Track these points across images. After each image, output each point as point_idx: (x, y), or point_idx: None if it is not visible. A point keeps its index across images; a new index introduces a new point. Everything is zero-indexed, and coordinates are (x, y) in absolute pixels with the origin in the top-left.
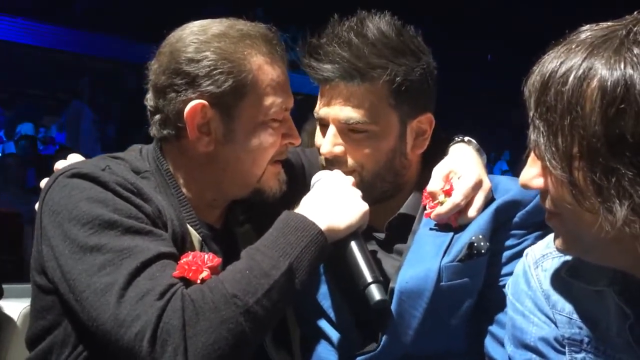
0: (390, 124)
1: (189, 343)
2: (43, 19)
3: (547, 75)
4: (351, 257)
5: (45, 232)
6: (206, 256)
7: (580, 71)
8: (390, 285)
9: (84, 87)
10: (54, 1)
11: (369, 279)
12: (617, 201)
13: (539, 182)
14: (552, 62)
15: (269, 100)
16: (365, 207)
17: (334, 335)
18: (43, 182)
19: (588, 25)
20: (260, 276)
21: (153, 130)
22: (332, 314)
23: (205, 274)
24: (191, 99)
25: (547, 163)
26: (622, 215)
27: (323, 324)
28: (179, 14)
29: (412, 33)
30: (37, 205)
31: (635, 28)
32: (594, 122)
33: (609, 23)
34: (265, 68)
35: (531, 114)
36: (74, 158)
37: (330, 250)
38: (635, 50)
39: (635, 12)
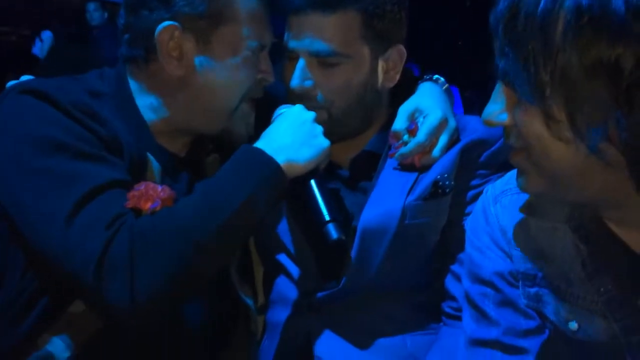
0: (361, 56)
1: (135, 275)
2: None
3: (515, 2)
4: (310, 195)
5: None
6: (160, 187)
7: (554, 4)
8: (353, 223)
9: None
10: None
11: (327, 217)
12: (592, 129)
13: (503, 117)
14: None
15: (246, 31)
16: (326, 143)
17: (295, 271)
18: None
19: None
20: (213, 210)
21: (122, 50)
22: (292, 250)
23: (156, 204)
24: (164, 19)
25: (518, 91)
26: (595, 143)
27: (284, 259)
28: None
29: None
30: None
31: None
32: (568, 45)
33: None
34: None
35: (499, 42)
36: (25, 78)
37: (287, 186)
38: None
39: None
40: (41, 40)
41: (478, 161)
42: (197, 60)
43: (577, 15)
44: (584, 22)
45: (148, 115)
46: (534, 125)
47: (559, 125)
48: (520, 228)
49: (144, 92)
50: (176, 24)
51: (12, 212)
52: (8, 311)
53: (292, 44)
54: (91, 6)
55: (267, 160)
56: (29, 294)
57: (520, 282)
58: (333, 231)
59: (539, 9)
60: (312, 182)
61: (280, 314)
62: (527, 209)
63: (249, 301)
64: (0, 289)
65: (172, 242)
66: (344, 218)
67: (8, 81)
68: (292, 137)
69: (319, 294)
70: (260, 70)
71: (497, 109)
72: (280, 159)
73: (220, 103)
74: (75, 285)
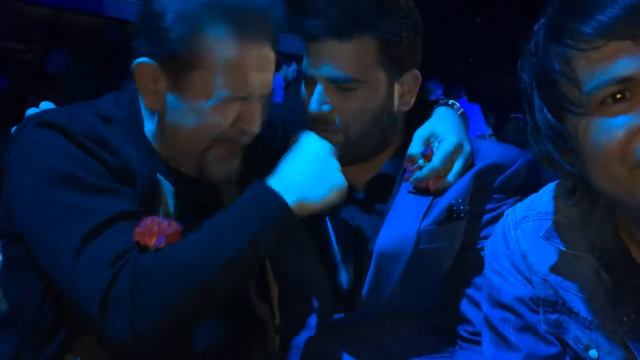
0: (378, 81)
1: (137, 311)
2: None
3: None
4: (324, 233)
5: (12, 179)
6: (165, 222)
7: None
8: (369, 247)
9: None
10: None
11: (340, 263)
12: None
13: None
14: None
15: (218, 80)
16: (342, 182)
17: (311, 292)
18: (14, 128)
19: None
20: (217, 249)
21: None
22: (308, 271)
23: (160, 241)
24: (144, 55)
25: None
26: None
27: (300, 281)
28: None
29: None
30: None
31: None
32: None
33: None
34: (224, 43)
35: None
36: (45, 106)
37: (297, 222)
38: None
39: None
40: (55, 58)
41: (492, 186)
42: (169, 98)
43: None
44: None
45: (153, 141)
46: None
47: None
48: (541, 254)
49: (147, 115)
50: (152, 62)
51: (28, 239)
52: (31, 337)
53: (311, 71)
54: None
55: (276, 199)
56: (51, 320)
57: (540, 308)
58: (344, 280)
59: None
60: (327, 220)
61: (295, 335)
62: (549, 236)
63: (268, 320)
64: (21, 316)
65: (173, 280)
66: (361, 242)
67: (27, 100)
68: (306, 173)
69: (335, 316)
70: (240, 119)
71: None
72: (291, 198)
73: (188, 143)
74: (80, 316)
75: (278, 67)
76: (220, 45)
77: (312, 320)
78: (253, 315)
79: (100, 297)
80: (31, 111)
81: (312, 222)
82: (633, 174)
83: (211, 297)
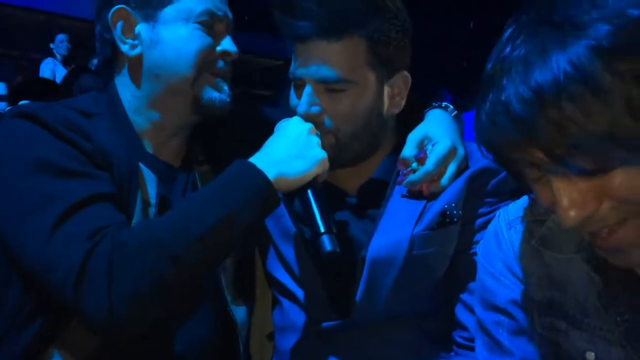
0: (367, 81)
1: (113, 286)
2: None
3: (552, 95)
4: (307, 206)
5: None
6: None
7: (578, 70)
8: (362, 252)
9: (58, 46)
10: None
11: (322, 229)
12: None
13: (589, 207)
14: (538, 79)
15: (191, 2)
16: (322, 154)
17: (304, 299)
18: None
19: (500, 51)
20: (192, 223)
21: (99, 59)
22: (302, 277)
23: None
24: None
25: (602, 162)
26: None
27: (293, 287)
28: None
29: None
30: None
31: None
32: (631, 87)
33: (519, 39)
34: None
35: (540, 155)
36: (23, 103)
37: (278, 201)
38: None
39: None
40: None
41: (486, 189)
42: (148, 36)
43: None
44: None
45: (137, 123)
46: (634, 184)
47: None
48: (534, 257)
49: (123, 92)
50: (124, 6)
51: (2, 231)
52: (8, 329)
53: (299, 71)
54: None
55: (256, 173)
56: (27, 312)
57: (535, 311)
58: (327, 243)
59: (579, 80)
60: (309, 192)
61: (288, 341)
62: (541, 241)
63: (239, 317)
64: (1, 307)
65: (148, 254)
66: (353, 248)
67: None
68: (287, 150)
69: (328, 323)
70: (219, 44)
71: (575, 200)
72: (272, 173)
73: (176, 73)
74: (58, 298)
75: None
76: None
77: (305, 327)
78: (228, 315)
79: (76, 273)
80: (8, 109)
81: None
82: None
83: (185, 274)
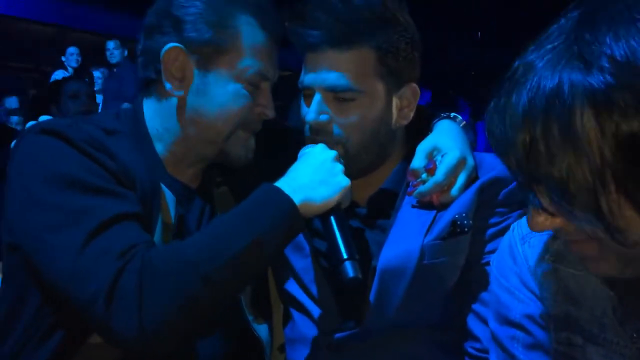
0: (375, 92)
1: (143, 306)
2: None
3: (525, 125)
4: (329, 232)
5: (12, 189)
6: None
7: (566, 101)
8: (373, 263)
9: (69, 59)
10: None
11: (344, 255)
12: None
13: (555, 223)
14: (521, 106)
15: (247, 62)
16: (346, 182)
17: (315, 310)
18: (13, 143)
19: (531, 57)
20: (224, 245)
21: (138, 73)
22: (313, 289)
23: None
24: (172, 42)
25: (570, 219)
26: None
27: (304, 298)
28: None
29: (397, 4)
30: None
31: (578, 37)
32: (606, 142)
33: (548, 45)
34: (250, 29)
35: (522, 178)
36: (44, 118)
37: (304, 225)
38: (601, 61)
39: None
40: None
41: (496, 199)
42: (196, 83)
43: (595, 112)
44: (605, 115)
45: (158, 148)
46: (595, 231)
47: (623, 234)
48: (549, 272)
49: (152, 118)
50: (181, 46)
51: (27, 247)
52: (24, 346)
53: (308, 79)
54: (111, 44)
55: (283, 199)
56: (44, 328)
57: (551, 325)
58: (350, 269)
59: (555, 127)
60: (332, 219)
61: (300, 353)
62: (555, 256)
63: (263, 335)
64: (16, 324)
65: (179, 274)
66: (364, 258)
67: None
68: (312, 176)
69: (339, 334)
70: (259, 104)
71: (543, 218)
72: (298, 198)
73: (214, 127)
74: (85, 315)
75: None
76: (249, 30)
77: (316, 339)
78: (250, 332)
79: (106, 290)
80: (30, 124)
81: (317, 227)
82: None
83: (216, 294)
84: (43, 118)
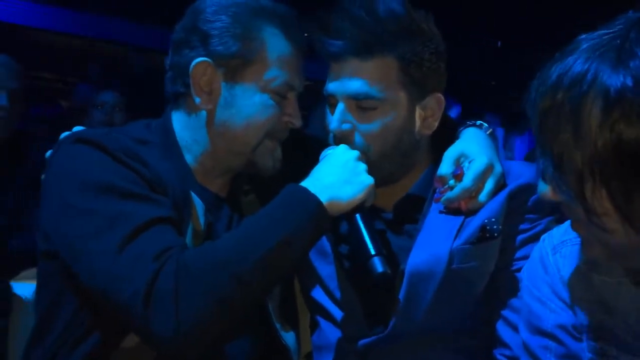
0: (399, 101)
1: (180, 306)
2: (55, 3)
3: (548, 94)
4: (356, 230)
5: (48, 197)
6: None
7: (583, 87)
8: (401, 267)
9: (92, 71)
10: None
11: (372, 251)
12: None
13: (555, 196)
14: (552, 78)
15: (273, 73)
16: (370, 180)
17: (341, 316)
18: (48, 153)
19: (584, 36)
20: (253, 245)
21: (166, 88)
22: (338, 295)
23: None
24: (200, 56)
25: (557, 190)
26: None
27: (330, 304)
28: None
29: (423, 15)
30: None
31: (630, 35)
32: (603, 138)
33: (603, 31)
34: (275, 41)
35: (538, 139)
36: (78, 129)
37: (330, 224)
38: (632, 63)
39: (629, 12)
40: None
41: (526, 206)
42: (224, 96)
43: (606, 109)
44: (615, 116)
45: (187, 159)
46: (579, 216)
47: (601, 219)
48: (582, 280)
49: (182, 130)
50: (209, 60)
51: (64, 252)
52: (59, 349)
53: (332, 87)
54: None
55: (310, 198)
56: (79, 333)
57: (584, 335)
58: (378, 265)
59: (567, 108)
60: (358, 217)
61: None
62: (589, 265)
63: (290, 343)
64: (51, 328)
65: (212, 275)
66: (391, 256)
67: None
68: (336, 176)
69: (365, 340)
70: (286, 114)
71: (545, 189)
72: (324, 197)
73: (242, 138)
74: (123, 316)
75: None
76: (274, 41)
77: (341, 345)
78: (276, 339)
79: (144, 292)
80: (64, 135)
81: (341, 230)
82: None
83: (247, 295)
84: (77, 128)
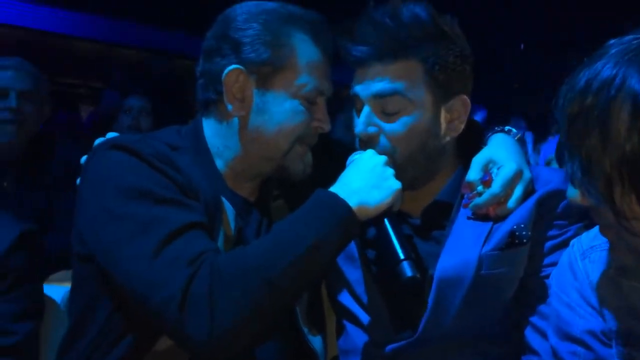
0: (423, 102)
1: (215, 311)
2: (78, 8)
3: (576, 98)
4: (384, 234)
5: (84, 202)
6: None
7: (611, 92)
8: (430, 272)
9: (116, 76)
10: None
11: (401, 255)
12: None
13: (585, 201)
14: (581, 82)
15: (303, 79)
16: (397, 185)
17: (368, 321)
18: (83, 159)
19: (613, 41)
20: (285, 249)
21: (197, 95)
22: (365, 300)
23: None
24: (232, 64)
25: (586, 194)
26: None
27: (357, 309)
28: (215, 3)
29: (447, 20)
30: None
31: None
32: (632, 142)
33: (632, 36)
34: (305, 47)
35: (567, 144)
36: (112, 135)
37: (359, 228)
38: None
39: None
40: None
41: (555, 212)
42: (256, 102)
43: (635, 113)
44: None
45: (218, 164)
46: (608, 217)
47: (630, 222)
48: (611, 286)
49: (213, 136)
50: (242, 68)
51: (100, 256)
52: (93, 352)
53: (357, 89)
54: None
55: (340, 203)
56: (113, 336)
57: (613, 341)
58: (407, 269)
59: (597, 111)
60: (386, 221)
61: None
62: (619, 270)
63: (318, 347)
64: (86, 331)
65: (246, 279)
66: (419, 261)
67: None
68: (364, 180)
69: (394, 345)
70: (316, 119)
71: (575, 193)
72: (353, 201)
73: (274, 144)
74: (158, 320)
75: None
76: (304, 47)
77: (368, 350)
78: (304, 343)
79: (179, 297)
80: (98, 141)
81: (368, 236)
82: None
83: (279, 299)
84: (111, 134)
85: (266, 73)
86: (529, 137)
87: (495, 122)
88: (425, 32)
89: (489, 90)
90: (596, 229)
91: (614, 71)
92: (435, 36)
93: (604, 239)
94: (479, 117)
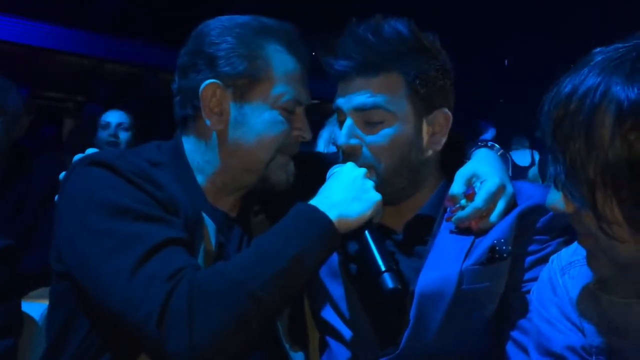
0: (405, 115)
1: (194, 326)
2: (65, 23)
3: (562, 103)
4: (365, 246)
5: (62, 219)
6: None
7: (596, 98)
8: (411, 287)
9: (100, 92)
10: (76, 5)
11: (382, 267)
12: None
13: (566, 205)
14: (566, 88)
15: (280, 89)
16: (377, 197)
17: (351, 337)
18: (62, 175)
19: (599, 49)
20: (267, 263)
21: (175, 111)
22: (348, 315)
23: None
24: (208, 79)
25: (569, 196)
26: None
27: (339, 325)
28: (201, 17)
29: (428, 35)
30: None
31: None
32: (614, 148)
33: (619, 45)
34: (280, 57)
35: (551, 146)
36: (91, 151)
37: (340, 241)
38: None
39: None
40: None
41: (535, 227)
42: (234, 115)
43: (619, 119)
44: (628, 125)
45: (199, 179)
46: (590, 222)
47: (614, 226)
48: (591, 301)
49: (193, 151)
50: (218, 82)
51: (78, 273)
52: None
53: (339, 101)
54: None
55: (320, 216)
56: (92, 353)
57: (593, 357)
58: (389, 280)
59: (582, 116)
60: (367, 233)
61: None
62: (598, 284)
63: None
64: (64, 348)
65: (227, 293)
66: (401, 275)
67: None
68: (344, 193)
69: None
70: (296, 128)
71: (558, 197)
72: (333, 214)
73: (254, 156)
74: (137, 336)
75: None
76: (279, 58)
77: None
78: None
79: (158, 313)
80: (78, 157)
81: (350, 250)
82: None
83: (263, 313)
84: (90, 150)
85: (243, 85)
86: (535, 155)
87: (498, 140)
88: (406, 46)
89: (473, 105)
90: (575, 244)
91: (599, 78)
92: (417, 50)
93: (583, 254)
94: (488, 135)
